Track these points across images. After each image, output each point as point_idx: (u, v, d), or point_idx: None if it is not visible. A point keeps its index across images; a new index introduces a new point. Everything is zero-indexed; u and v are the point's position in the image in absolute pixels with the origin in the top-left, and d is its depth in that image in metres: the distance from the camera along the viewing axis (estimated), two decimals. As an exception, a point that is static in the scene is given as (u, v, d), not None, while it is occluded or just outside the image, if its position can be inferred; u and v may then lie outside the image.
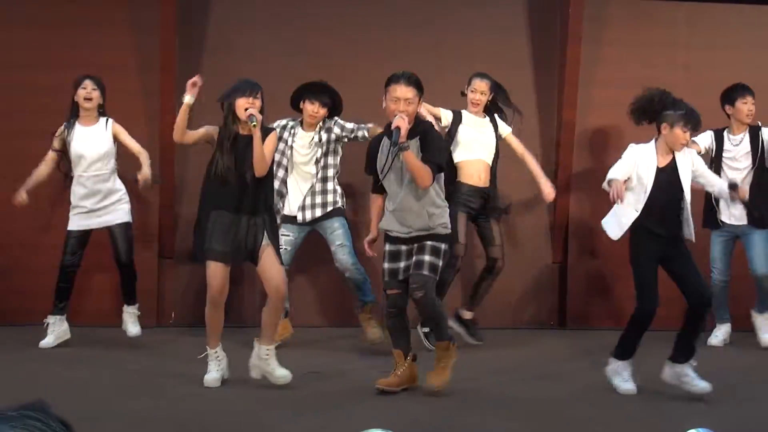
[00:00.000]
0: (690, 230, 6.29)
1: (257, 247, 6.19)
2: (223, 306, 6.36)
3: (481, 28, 8.81)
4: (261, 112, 6.22)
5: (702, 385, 6.21)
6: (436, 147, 6.07)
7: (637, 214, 6.23)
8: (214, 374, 6.41)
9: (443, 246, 6.17)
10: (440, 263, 6.13)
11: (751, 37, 9.12)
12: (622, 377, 6.34)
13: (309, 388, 6.41)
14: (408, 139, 5.92)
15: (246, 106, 6.16)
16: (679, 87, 7.98)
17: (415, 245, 6.13)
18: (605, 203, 7.63)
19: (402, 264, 6.18)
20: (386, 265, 6.22)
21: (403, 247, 6.17)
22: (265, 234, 6.22)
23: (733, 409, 6.13)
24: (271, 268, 6.18)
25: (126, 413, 5.79)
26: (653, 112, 6.24)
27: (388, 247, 6.23)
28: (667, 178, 6.28)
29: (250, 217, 6.22)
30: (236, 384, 6.51)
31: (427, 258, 6.08)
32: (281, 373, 6.32)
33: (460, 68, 8.22)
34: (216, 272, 6.20)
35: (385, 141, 6.07)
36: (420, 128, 6.11)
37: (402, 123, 5.83)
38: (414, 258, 6.10)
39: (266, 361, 6.31)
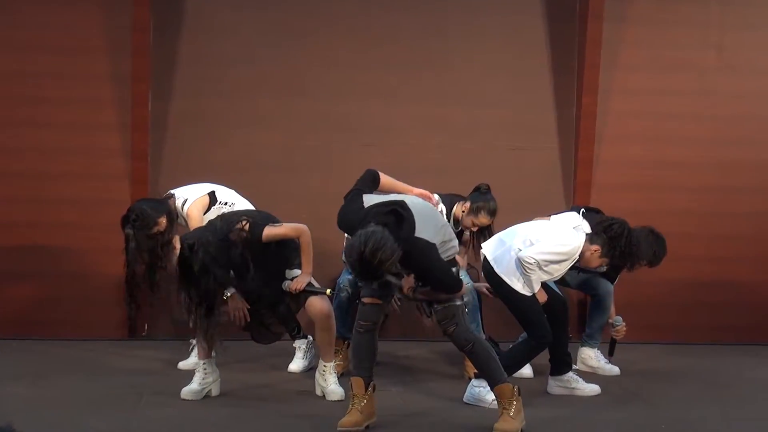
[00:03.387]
0: None
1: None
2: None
3: (493, 5, 8.62)
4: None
5: (592, 387, 6.72)
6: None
7: None
8: (193, 386, 6.31)
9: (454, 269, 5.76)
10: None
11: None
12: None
13: (294, 407, 6.26)
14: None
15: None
16: (711, 70, 8.62)
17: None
18: (634, 201, 8.10)
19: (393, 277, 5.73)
20: None
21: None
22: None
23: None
24: (311, 300, 6.36)
25: (97, 430, 5.67)
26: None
27: None
28: None
29: None
30: (220, 400, 6.39)
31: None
32: (332, 389, 6.37)
33: (471, 50, 8.24)
34: None
35: None
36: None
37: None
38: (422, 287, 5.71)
39: (323, 377, 6.42)
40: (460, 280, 5.61)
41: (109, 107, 8.14)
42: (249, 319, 6.33)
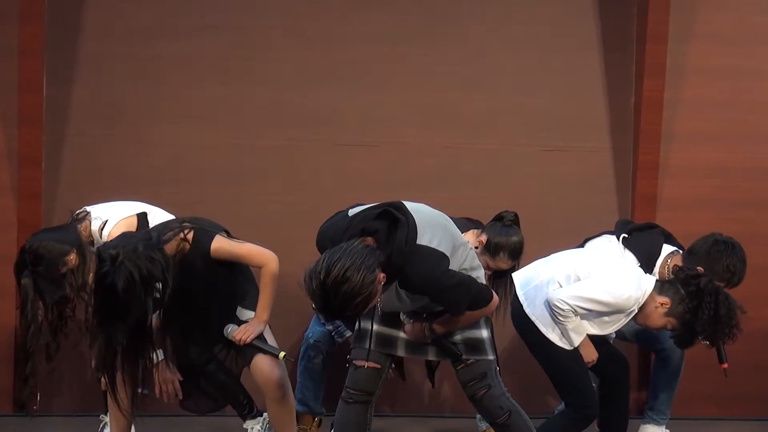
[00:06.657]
0: None
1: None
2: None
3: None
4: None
5: None
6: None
7: None
8: None
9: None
10: (487, 334, 5.29)
11: None
12: None
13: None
14: None
15: None
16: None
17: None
18: (711, 221, 7.27)
19: (401, 334, 5.31)
20: (375, 327, 5.28)
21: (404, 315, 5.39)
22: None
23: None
24: (257, 360, 5.92)
25: None
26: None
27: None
28: None
29: None
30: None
31: (464, 335, 5.25)
32: None
33: (490, 17, 7.54)
34: None
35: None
36: None
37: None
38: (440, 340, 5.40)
39: None
40: (490, 290, 5.09)
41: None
42: (180, 396, 5.81)
